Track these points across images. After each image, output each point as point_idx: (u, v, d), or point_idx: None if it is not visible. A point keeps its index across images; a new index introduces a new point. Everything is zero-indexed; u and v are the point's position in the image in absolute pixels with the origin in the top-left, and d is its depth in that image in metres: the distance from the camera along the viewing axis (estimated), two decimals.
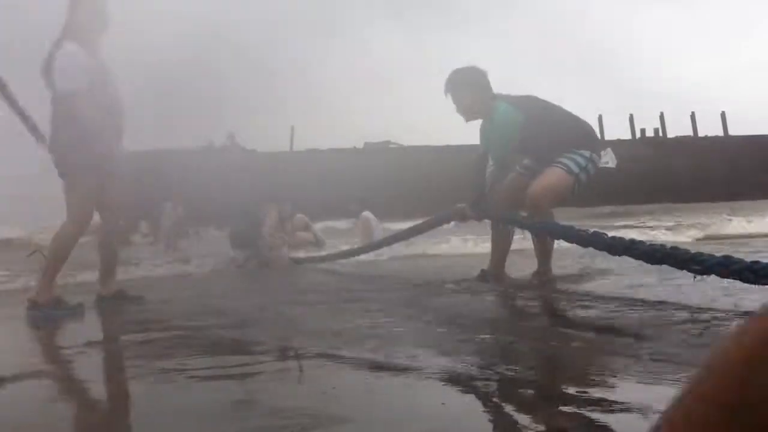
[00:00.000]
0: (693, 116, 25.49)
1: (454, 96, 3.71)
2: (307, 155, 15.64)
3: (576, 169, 3.52)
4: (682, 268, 2.29)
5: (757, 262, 1.99)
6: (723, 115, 25.91)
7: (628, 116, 27.73)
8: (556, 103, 3.77)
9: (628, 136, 27.46)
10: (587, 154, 3.55)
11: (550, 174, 3.54)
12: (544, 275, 3.74)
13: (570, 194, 3.59)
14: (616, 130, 27.37)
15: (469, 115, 3.75)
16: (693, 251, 2.29)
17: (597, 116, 26.67)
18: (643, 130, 28.17)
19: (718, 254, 2.16)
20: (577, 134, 3.63)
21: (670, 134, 27.30)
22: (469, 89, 3.68)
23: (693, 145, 21.34)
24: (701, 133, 25.32)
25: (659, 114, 23.26)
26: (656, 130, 28.37)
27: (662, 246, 2.51)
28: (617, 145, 25.11)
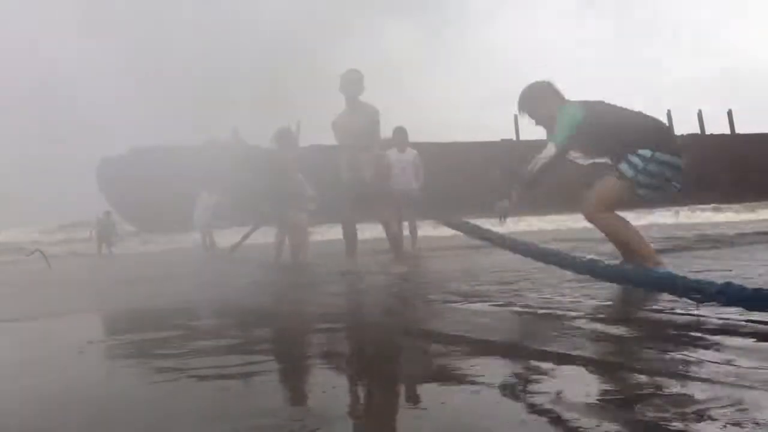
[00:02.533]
0: (700, 114, 25.39)
1: (530, 112, 3.91)
2: (306, 152, 15.61)
3: (630, 173, 3.49)
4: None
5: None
6: (729, 113, 25.79)
7: None
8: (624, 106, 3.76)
9: None
10: (647, 153, 3.48)
11: (600, 186, 3.60)
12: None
13: (629, 198, 3.54)
14: None
15: (548, 124, 3.86)
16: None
17: None
18: None
19: None
20: (637, 133, 3.56)
21: (678, 132, 27.24)
22: (539, 102, 3.86)
23: (700, 143, 21.15)
24: (708, 131, 25.22)
25: (666, 111, 23.18)
26: None
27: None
28: None
